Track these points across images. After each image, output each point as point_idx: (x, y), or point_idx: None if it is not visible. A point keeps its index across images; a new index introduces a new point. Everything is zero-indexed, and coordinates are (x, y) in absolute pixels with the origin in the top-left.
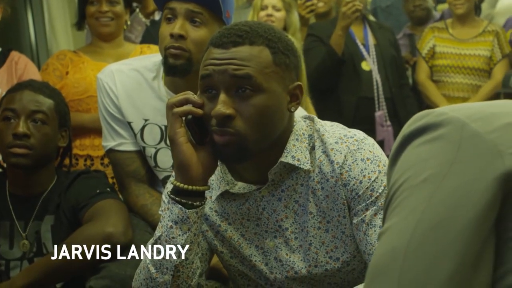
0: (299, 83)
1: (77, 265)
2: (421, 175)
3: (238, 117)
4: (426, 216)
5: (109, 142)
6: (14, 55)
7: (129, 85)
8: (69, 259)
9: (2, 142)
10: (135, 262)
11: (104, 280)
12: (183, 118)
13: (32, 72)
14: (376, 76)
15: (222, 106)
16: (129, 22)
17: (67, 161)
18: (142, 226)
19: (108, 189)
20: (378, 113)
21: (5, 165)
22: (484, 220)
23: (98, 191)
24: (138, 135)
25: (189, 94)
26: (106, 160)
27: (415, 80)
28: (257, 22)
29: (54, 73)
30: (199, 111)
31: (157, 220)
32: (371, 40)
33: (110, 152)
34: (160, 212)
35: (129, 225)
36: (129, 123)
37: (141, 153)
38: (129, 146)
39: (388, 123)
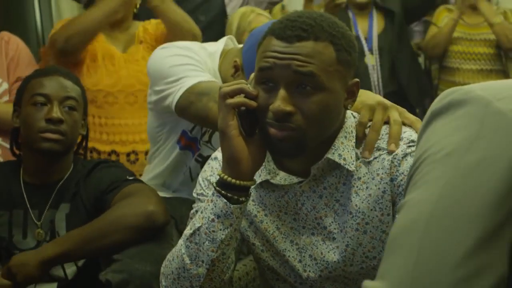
0: (357, 80)
1: (111, 240)
2: (443, 150)
3: (298, 113)
4: (448, 190)
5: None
6: (4, 35)
7: None
8: (104, 233)
9: (32, 127)
10: (155, 258)
11: (122, 274)
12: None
13: (25, 53)
14: (378, 70)
15: (282, 102)
16: (138, 6)
17: (81, 150)
18: None
19: (133, 177)
20: None
21: (17, 152)
22: (505, 198)
23: (127, 177)
24: (207, 136)
25: (243, 84)
26: (132, 157)
27: (427, 67)
28: (320, 14)
29: None
30: (254, 103)
31: None
32: (375, 31)
33: None
34: (194, 195)
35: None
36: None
37: None
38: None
39: None
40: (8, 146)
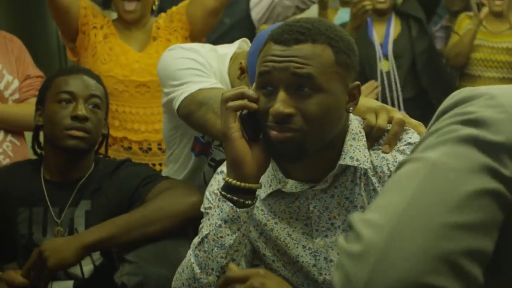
0: (358, 83)
1: (155, 228)
2: (445, 128)
3: (298, 114)
4: (451, 150)
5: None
6: (5, 33)
7: None
8: (149, 220)
9: (57, 125)
10: (171, 261)
11: (137, 276)
12: (237, 113)
13: (26, 52)
14: (395, 75)
15: (281, 104)
16: (157, 2)
17: (102, 150)
18: None
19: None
20: None
21: (39, 151)
22: (500, 174)
23: (159, 174)
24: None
25: (245, 89)
26: (145, 145)
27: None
28: (318, 19)
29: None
30: (254, 105)
31: None
32: (391, 36)
33: None
34: (202, 210)
35: None
36: None
37: None
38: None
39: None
40: (18, 143)
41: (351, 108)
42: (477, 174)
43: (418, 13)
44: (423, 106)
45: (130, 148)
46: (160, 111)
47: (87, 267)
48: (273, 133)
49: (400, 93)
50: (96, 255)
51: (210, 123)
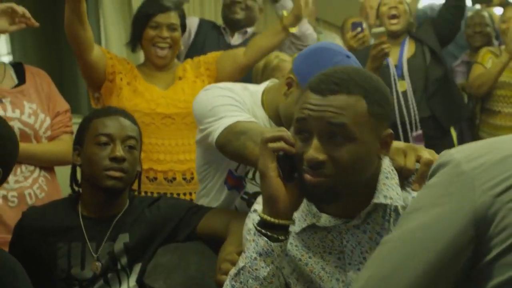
0: (390, 131)
1: None
2: (417, 203)
3: (330, 162)
4: (411, 233)
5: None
6: (31, 68)
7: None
8: None
9: (97, 165)
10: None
11: None
12: (276, 153)
13: (53, 85)
14: (411, 95)
15: (315, 151)
16: (182, 47)
17: (135, 186)
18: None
19: None
20: (414, 135)
21: (77, 189)
22: (458, 243)
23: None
24: (251, 173)
25: (284, 132)
26: (170, 175)
27: (470, 107)
28: (355, 69)
29: (118, 60)
30: (293, 150)
31: None
32: (405, 57)
33: None
34: (245, 234)
35: None
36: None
37: None
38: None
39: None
40: (49, 177)
41: (382, 154)
42: (430, 257)
43: (432, 43)
44: (440, 125)
45: (155, 178)
46: (184, 142)
47: (126, 284)
48: (307, 177)
49: (416, 112)
50: (132, 282)
51: (248, 151)
